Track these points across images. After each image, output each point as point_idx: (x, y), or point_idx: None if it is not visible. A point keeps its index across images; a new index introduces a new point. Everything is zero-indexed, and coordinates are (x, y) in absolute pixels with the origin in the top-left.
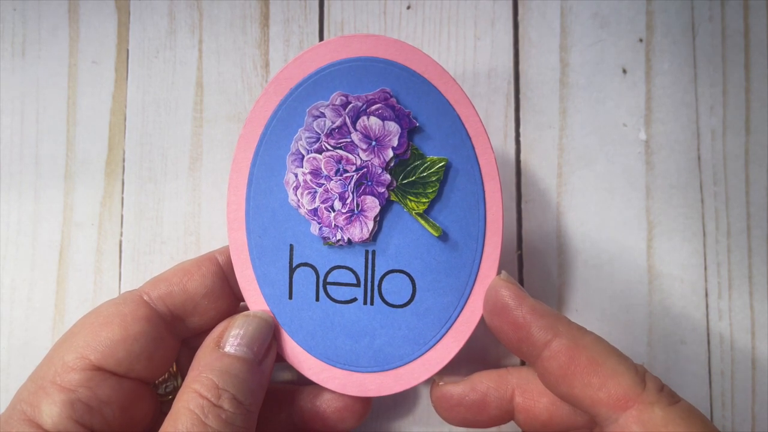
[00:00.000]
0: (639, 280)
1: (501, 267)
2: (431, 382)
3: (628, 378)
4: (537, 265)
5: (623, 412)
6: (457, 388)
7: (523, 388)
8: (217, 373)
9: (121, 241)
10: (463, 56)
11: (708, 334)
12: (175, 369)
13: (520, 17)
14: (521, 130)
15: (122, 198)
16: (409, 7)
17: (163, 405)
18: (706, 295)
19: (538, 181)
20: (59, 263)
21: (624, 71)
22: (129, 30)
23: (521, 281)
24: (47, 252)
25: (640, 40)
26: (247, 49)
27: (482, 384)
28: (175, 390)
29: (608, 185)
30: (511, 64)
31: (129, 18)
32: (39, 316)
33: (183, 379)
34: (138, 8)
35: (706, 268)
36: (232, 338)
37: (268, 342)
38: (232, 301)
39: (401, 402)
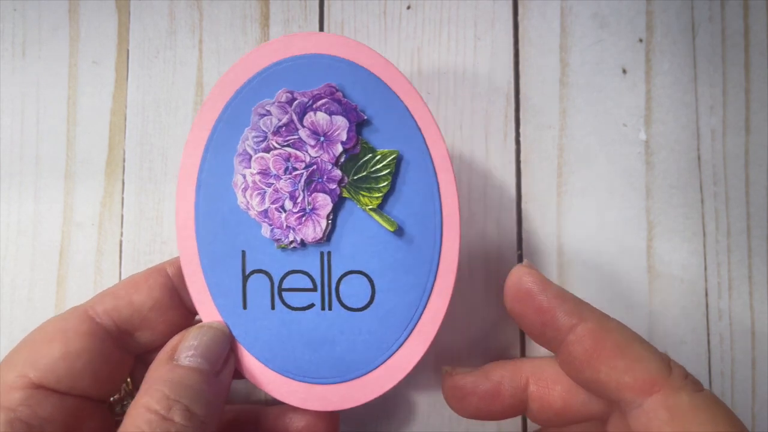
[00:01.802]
0: (639, 280)
1: (500, 267)
2: (443, 373)
3: (654, 363)
4: (537, 265)
5: (649, 396)
6: (469, 378)
7: (537, 376)
8: (169, 385)
9: (121, 241)
10: (463, 56)
11: (708, 335)
12: (131, 387)
13: (520, 17)
14: (521, 130)
15: (122, 198)
16: (409, 7)
17: (119, 424)
18: (706, 295)
19: (538, 181)
20: (59, 263)
21: (624, 71)
22: (129, 30)
23: None
24: (47, 252)
25: (640, 40)
26: (247, 50)
27: (496, 373)
28: None
29: (608, 185)
30: (511, 64)
31: (129, 18)
32: (39, 317)
33: None
34: (138, 8)
35: (706, 268)
36: (186, 350)
37: (226, 353)
38: (184, 314)
39: (402, 402)
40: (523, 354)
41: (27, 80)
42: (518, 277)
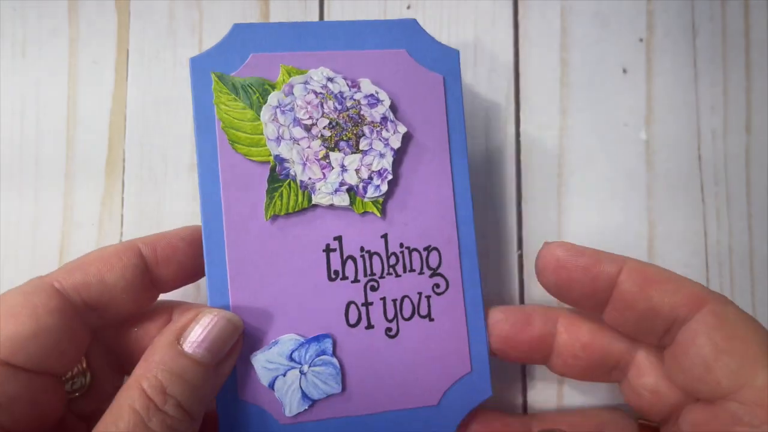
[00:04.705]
0: None
1: (500, 267)
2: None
3: (698, 285)
4: None
5: (698, 310)
6: (505, 309)
7: (567, 315)
8: (168, 375)
9: (121, 241)
10: (463, 56)
11: None
12: (84, 365)
13: (520, 17)
14: (521, 129)
15: (122, 198)
16: (409, 7)
17: (71, 402)
18: None
19: (539, 181)
20: (59, 263)
21: (624, 71)
22: (129, 30)
23: (521, 281)
24: (47, 252)
25: (641, 40)
26: None
27: (529, 306)
28: (83, 387)
29: (609, 185)
30: (511, 64)
31: (129, 18)
32: None
33: (92, 376)
34: (138, 8)
35: (707, 269)
36: (194, 336)
37: (231, 346)
38: (153, 296)
39: None
40: None
41: (27, 80)
42: (550, 252)
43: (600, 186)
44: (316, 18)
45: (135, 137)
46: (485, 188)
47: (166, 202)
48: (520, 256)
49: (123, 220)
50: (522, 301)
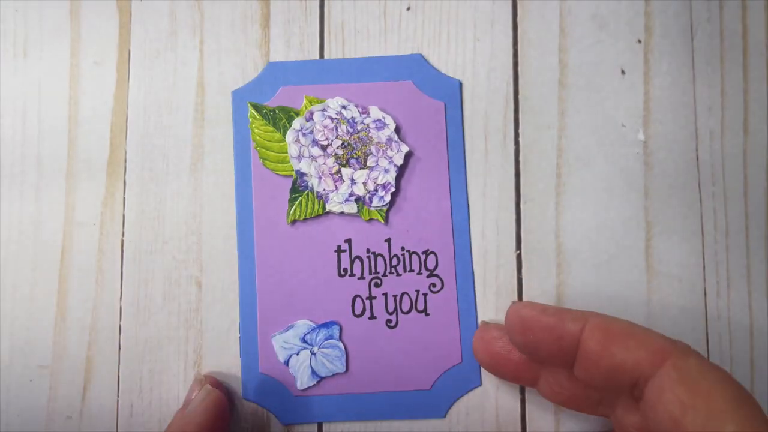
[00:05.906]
0: (637, 280)
1: (499, 267)
2: (480, 324)
3: (660, 337)
4: (536, 265)
5: (662, 365)
6: (498, 329)
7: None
8: None
9: (123, 241)
10: (462, 57)
11: (706, 334)
12: None
13: (519, 18)
14: (520, 130)
15: (124, 198)
16: (408, 8)
17: None
18: (705, 294)
19: (537, 181)
20: (61, 263)
21: (623, 72)
22: (130, 31)
23: (520, 281)
24: (49, 252)
25: (639, 41)
26: (248, 50)
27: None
28: None
29: (607, 185)
30: (510, 65)
31: (130, 19)
32: (40, 316)
33: None
34: (139, 9)
35: (704, 268)
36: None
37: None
38: None
39: None
40: None
41: (29, 80)
42: (516, 312)
43: (598, 186)
44: (316, 18)
45: (136, 137)
46: (484, 189)
47: (167, 202)
48: (519, 256)
49: (124, 220)
50: (520, 300)
